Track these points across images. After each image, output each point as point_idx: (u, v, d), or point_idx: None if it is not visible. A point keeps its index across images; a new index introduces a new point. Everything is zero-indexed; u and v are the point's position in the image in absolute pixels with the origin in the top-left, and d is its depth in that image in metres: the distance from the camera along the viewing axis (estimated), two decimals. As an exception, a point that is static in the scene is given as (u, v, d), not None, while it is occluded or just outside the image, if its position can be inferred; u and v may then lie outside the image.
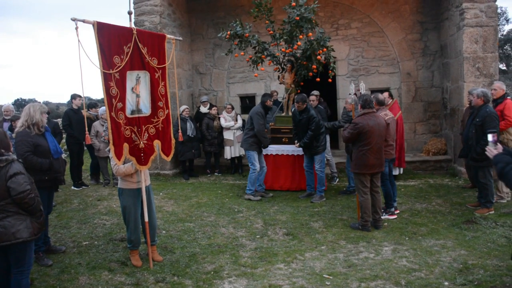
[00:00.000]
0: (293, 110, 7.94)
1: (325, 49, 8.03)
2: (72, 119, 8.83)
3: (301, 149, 7.86)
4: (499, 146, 3.28)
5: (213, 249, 5.41)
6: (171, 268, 4.86)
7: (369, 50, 10.95)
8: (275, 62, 8.69)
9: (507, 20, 31.77)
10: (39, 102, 6.49)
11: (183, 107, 9.82)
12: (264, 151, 8.27)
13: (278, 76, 8.86)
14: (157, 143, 5.04)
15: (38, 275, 4.75)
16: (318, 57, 8.01)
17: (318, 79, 8.25)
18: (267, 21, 8.40)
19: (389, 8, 10.72)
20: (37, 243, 5.00)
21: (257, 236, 5.85)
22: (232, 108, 10.26)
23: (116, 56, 4.52)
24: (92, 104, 10.07)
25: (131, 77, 4.70)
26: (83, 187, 9.02)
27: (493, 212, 6.36)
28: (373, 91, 9.60)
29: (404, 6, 10.66)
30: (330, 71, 8.22)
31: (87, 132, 4.65)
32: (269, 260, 5.02)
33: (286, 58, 8.51)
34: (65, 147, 9.67)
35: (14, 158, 3.76)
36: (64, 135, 10.15)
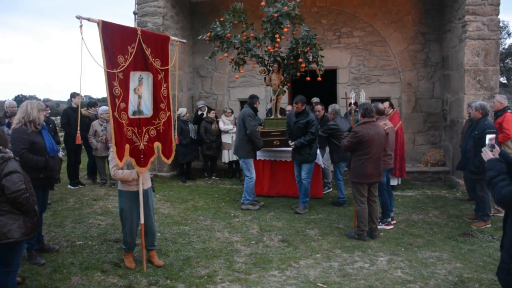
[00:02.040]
0: (287, 112, 7.86)
1: (308, 48, 7.71)
2: (70, 117, 8.79)
3: None
4: (497, 149, 3.20)
5: (208, 254, 5.37)
6: (165, 271, 4.83)
7: (371, 59, 10.96)
8: (260, 64, 8.33)
9: (509, 34, 31.82)
10: (39, 99, 6.47)
11: (183, 110, 9.80)
12: (262, 157, 8.20)
13: (265, 78, 8.53)
14: (157, 145, 4.98)
15: (30, 273, 4.71)
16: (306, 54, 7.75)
17: (308, 78, 7.99)
18: (244, 25, 8.10)
19: (392, 18, 10.74)
20: (30, 241, 4.96)
21: (252, 242, 5.81)
22: (232, 112, 10.26)
23: (120, 56, 4.50)
24: (92, 103, 10.05)
25: (134, 77, 4.67)
26: (80, 186, 8.98)
27: (490, 225, 6.33)
28: (373, 100, 9.60)
29: (407, 17, 10.68)
30: (317, 70, 7.86)
31: (78, 132, 4.64)
32: (264, 266, 4.99)
33: (272, 58, 8.14)
34: (63, 145, 9.61)
35: (10, 156, 3.72)
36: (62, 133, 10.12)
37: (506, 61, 31.74)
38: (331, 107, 7.96)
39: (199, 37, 8.46)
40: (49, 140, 5.12)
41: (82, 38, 4.12)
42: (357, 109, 8.02)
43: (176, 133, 5.44)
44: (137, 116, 4.75)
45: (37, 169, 4.93)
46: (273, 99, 8.44)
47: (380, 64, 10.93)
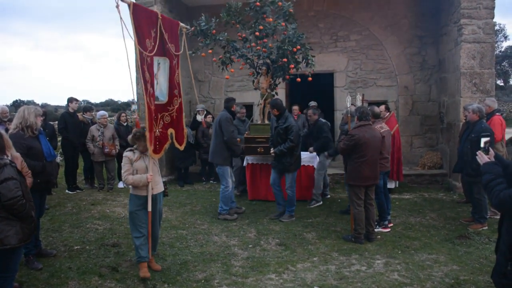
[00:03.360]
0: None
1: (298, 47, 7.38)
2: (68, 122, 8.82)
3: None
4: (492, 152, 3.21)
5: (205, 257, 5.38)
6: (162, 275, 4.84)
7: (368, 62, 11.01)
8: (248, 66, 8.05)
9: (505, 37, 32.04)
10: (38, 104, 6.50)
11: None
12: (259, 161, 8.14)
13: (253, 81, 8.22)
14: (171, 132, 4.95)
15: (27, 278, 4.71)
16: (296, 56, 7.49)
17: (298, 79, 7.79)
18: (237, 25, 7.82)
19: (388, 21, 10.79)
20: (28, 246, 4.96)
21: (250, 246, 5.82)
22: None
23: (148, 39, 4.41)
24: (88, 108, 10.06)
25: (154, 63, 4.62)
26: (77, 191, 8.97)
27: (486, 228, 6.35)
28: (370, 103, 9.64)
29: (403, 20, 10.74)
30: (307, 72, 7.68)
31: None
32: (261, 270, 5.00)
33: (262, 60, 7.84)
34: (60, 150, 9.64)
35: (6, 162, 3.72)
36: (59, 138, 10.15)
37: (502, 64, 31.91)
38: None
39: (186, 31, 8.30)
40: (46, 145, 5.15)
41: (121, 18, 4.02)
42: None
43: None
44: (163, 98, 4.76)
45: (34, 173, 4.93)
46: (261, 104, 8.12)
47: (377, 67, 10.97)
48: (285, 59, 7.45)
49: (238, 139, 7.68)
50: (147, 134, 4.38)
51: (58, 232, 6.24)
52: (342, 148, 5.93)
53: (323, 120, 8.08)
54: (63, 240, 5.92)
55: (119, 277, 4.78)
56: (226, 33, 7.79)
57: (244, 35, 7.84)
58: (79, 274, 4.82)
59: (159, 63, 4.69)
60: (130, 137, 4.88)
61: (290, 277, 4.80)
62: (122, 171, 4.78)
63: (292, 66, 7.56)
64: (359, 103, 6.81)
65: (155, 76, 4.58)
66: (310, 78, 7.73)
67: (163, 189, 5.08)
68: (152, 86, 4.46)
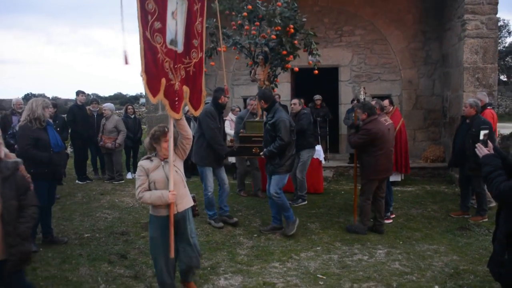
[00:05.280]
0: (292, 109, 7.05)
1: (291, 26, 6.58)
2: (76, 114, 9.01)
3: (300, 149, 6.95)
4: (490, 145, 3.30)
5: (211, 246, 5.54)
6: (170, 262, 4.99)
7: (372, 57, 11.10)
8: (245, 55, 7.29)
9: (509, 33, 31.93)
10: (48, 98, 6.65)
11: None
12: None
13: (250, 72, 7.42)
14: (186, 90, 3.92)
15: (40, 264, 4.90)
16: (295, 41, 6.79)
17: (296, 69, 7.36)
18: (233, 13, 7.12)
19: (392, 16, 10.87)
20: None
21: (255, 235, 5.97)
22: (240, 110, 10.35)
23: None
24: (92, 100, 10.21)
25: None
26: (87, 181, 9.19)
27: (486, 219, 6.47)
28: (374, 97, 9.74)
29: (407, 16, 10.81)
30: (310, 62, 7.04)
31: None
32: (265, 258, 5.14)
33: (259, 48, 7.06)
34: (70, 142, 9.84)
35: None
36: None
37: (506, 59, 31.81)
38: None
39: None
40: (54, 136, 5.32)
41: None
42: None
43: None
44: (174, 48, 3.74)
45: (41, 163, 5.13)
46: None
47: (381, 62, 11.07)
48: (284, 52, 6.77)
49: (241, 130, 7.23)
50: (144, 76, 3.39)
51: (69, 221, 6.43)
52: (357, 142, 5.89)
53: (306, 111, 7.47)
54: (73, 228, 6.11)
55: (128, 264, 4.94)
56: (214, 20, 6.78)
57: (239, 22, 7.09)
58: (90, 261, 5.00)
59: (177, 3, 3.82)
60: (147, 140, 3.92)
61: (293, 266, 4.94)
62: (136, 186, 3.77)
63: (287, 53, 6.82)
64: (363, 97, 6.91)
65: (172, 13, 3.72)
66: (316, 71, 7.15)
67: (191, 204, 4.05)
68: (161, 20, 3.57)
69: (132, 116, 9.96)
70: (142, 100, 39.96)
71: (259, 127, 6.90)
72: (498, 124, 9.58)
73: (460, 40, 8.98)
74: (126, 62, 3.30)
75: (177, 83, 3.73)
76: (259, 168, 8.09)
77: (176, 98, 3.72)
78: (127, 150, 9.71)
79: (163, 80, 3.54)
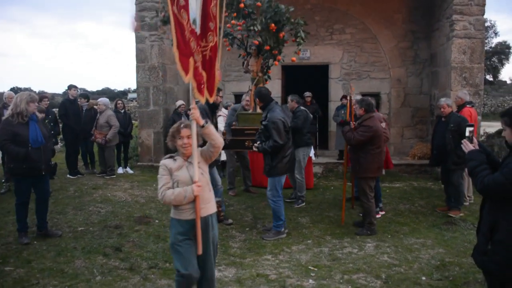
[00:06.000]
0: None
1: (283, 33, 6.43)
2: (68, 109, 9.01)
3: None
4: (475, 141, 3.45)
5: (204, 239, 5.62)
6: (163, 255, 5.08)
7: (362, 55, 11.27)
8: (237, 45, 7.05)
9: (496, 33, 32.46)
10: (34, 91, 6.63)
11: (180, 102, 10.03)
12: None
13: (243, 63, 7.21)
14: (204, 75, 3.65)
15: (35, 256, 4.95)
16: (280, 34, 6.52)
17: (293, 59, 7.01)
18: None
19: (383, 15, 11.04)
20: (20, 223, 5.36)
21: (247, 229, 6.09)
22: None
23: None
24: (84, 95, 10.18)
25: None
26: (78, 175, 9.20)
27: (462, 214, 6.64)
28: (363, 95, 9.90)
29: (397, 15, 10.99)
30: (293, 59, 6.89)
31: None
32: (258, 251, 5.26)
33: (252, 39, 6.81)
34: (61, 136, 9.83)
35: None
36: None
37: (492, 59, 32.34)
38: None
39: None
40: (35, 131, 5.26)
41: None
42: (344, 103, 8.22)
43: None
44: (195, 28, 3.50)
45: (18, 159, 5.15)
46: (250, 89, 7.14)
47: (371, 60, 11.24)
48: (267, 47, 6.58)
49: (234, 123, 7.17)
50: (176, 53, 3.20)
51: (62, 214, 6.47)
52: (359, 139, 5.76)
53: (302, 108, 7.45)
54: (67, 222, 6.16)
55: (123, 257, 5.02)
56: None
57: (226, 13, 6.61)
58: (84, 253, 5.06)
59: None
60: (169, 137, 3.58)
61: (285, 258, 5.06)
62: (158, 186, 3.46)
63: (275, 52, 6.72)
64: (353, 94, 6.98)
65: None
66: (293, 59, 6.97)
67: (215, 209, 3.66)
68: None
69: (122, 111, 9.97)
70: (131, 95, 39.76)
71: (251, 120, 6.81)
72: (483, 123, 9.83)
73: (448, 40, 9.18)
74: (136, 29, 3.12)
75: (200, 65, 3.54)
76: (249, 168, 8.25)
77: (202, 81, 3.56)
78: (117, 145, 9.73)
79: (191, 60, 3.36)
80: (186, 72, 3.27)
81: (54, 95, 38.61)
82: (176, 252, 3.43)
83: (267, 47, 6.64)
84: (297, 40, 6.56)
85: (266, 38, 6.59)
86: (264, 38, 6.60)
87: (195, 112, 3.33)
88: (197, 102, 3.58)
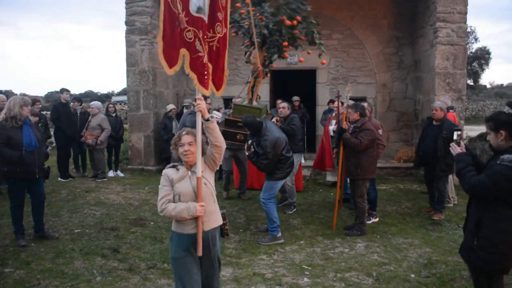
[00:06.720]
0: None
1: (298, 18, 6.25)
2: (61, 112, 9.05)
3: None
4: (462, 144, 3.68)
5: (200, 240, 5.75)
6: (161, 256, 5.20)
7: (349, 60, 11.53)
8: (242, 34, 6.80)
9: (476, 39, 33.28)
10: (15, 94, 6.67)
11: (170, 106, 10.13)
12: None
13: (245, 53, 7.00)
14: (210, 66, 3.46)
15: (33, 258, 5.03)
16: (295, 31, 6.43)
17: (301, 59, 7.18)
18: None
19: (369, 21, 11.32)
20: (16, 225, 5.43)
21: (241, 230, 6.24)
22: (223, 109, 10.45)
23: None
24: (77, 99, 10.23)
25: None
26: (70, 178, 9.23)
27: (443, 217, 6.82)
28: (351, 99, 10.14)
29: (383, 21, 11.28)
30: (301, 59, 6.97)
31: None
32: (252, 251, 5.42)
33: (258, 30, 6.50)
34: (53, 139, 9.85)
35: None
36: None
37: (473, 65, 33.12)
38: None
39: None
40: (28, 135, 5.33)
41: None
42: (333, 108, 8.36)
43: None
44: (202, 16, 3.34)
45: (12, 162, 5.23)
46: (250, 81, 6.89)
47: (357, 65, 11.51)
48: (285, 43, 6.45)
49: (229, 113, 7.04)
50: (160, 43, 3.11)
51: (57, 217, 6.53)
52: (365, 144, 5.87)
53: (294, 115, 7.46)
54: (63, 224, 6.22)
55: (121, 257, 5.12)
56: None
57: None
58: (83, 255, 5.15)
59: None
60: (172, 145, 3.40)
61: (280, 258, 5.24)
62: (158, 197, 3.27)
63: (286, 43, 6.51)
64: (345, 100, 7.10)
65: None
66: (301, 59, 7.15)
67: (220, 223, 3.44)
68: None
69: (114, 115, 10.05)
70: (115, 99, 39.42)
71: (247, 112, 6.55)
72: (465, 127, 10.15)
73: (432, 46, 9.49)
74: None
75: (205, 56, 3.36)
76: (246, 174, 8.26)
77: (206, 72, 3.37)
78: (109, 149, 9.81)
79: (184, 51, 3.22)
80: (171, 65, 3.15)
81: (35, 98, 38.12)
82: (178, 267, 3.25)
83: (285, 43, 6.44)
84: (313, 39, 6.54)
85: (282, 32, 6.40)
86: (279, 33, 6.41)
87: (201, 103, 3.13)
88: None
